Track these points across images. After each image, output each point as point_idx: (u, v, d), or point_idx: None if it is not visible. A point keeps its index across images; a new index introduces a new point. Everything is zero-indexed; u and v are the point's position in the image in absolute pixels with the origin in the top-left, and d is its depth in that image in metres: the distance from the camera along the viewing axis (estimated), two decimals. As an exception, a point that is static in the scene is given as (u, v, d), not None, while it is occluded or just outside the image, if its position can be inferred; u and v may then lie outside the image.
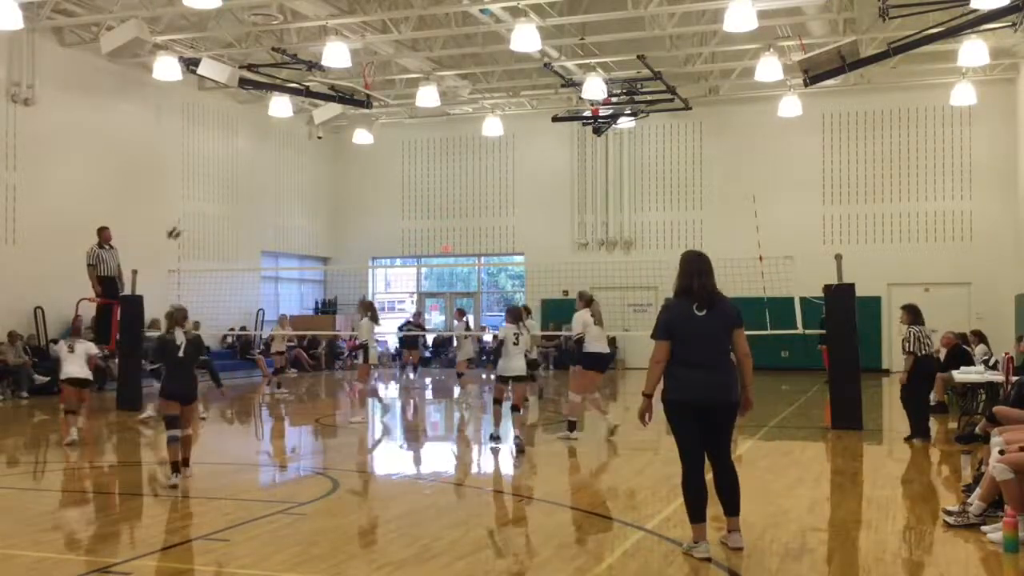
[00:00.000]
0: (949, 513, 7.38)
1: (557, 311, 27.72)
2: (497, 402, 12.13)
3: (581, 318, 12.48)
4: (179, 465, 9.19)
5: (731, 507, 6.55)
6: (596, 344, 12.39)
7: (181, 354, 9.43)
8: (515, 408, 11.69)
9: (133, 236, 20.30)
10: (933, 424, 14.07)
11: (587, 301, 12.60)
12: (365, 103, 22.22)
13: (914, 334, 12.36)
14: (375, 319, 15.26)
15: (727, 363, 6.48)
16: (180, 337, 9.45)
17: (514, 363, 11.51)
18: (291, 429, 15.25)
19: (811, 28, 21.02)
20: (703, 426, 6.43)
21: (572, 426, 12.48)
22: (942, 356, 15.79)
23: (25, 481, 10.30)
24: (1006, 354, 13.38)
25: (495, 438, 12.01)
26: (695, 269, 6.49)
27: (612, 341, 27.97)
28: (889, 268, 25.07)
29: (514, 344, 11.43)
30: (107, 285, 17.37)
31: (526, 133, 28.80)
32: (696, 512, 6.39)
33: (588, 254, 28.19)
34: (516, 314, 11.80)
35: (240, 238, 26.75)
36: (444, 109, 27.50)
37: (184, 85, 22.54)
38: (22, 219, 20.22)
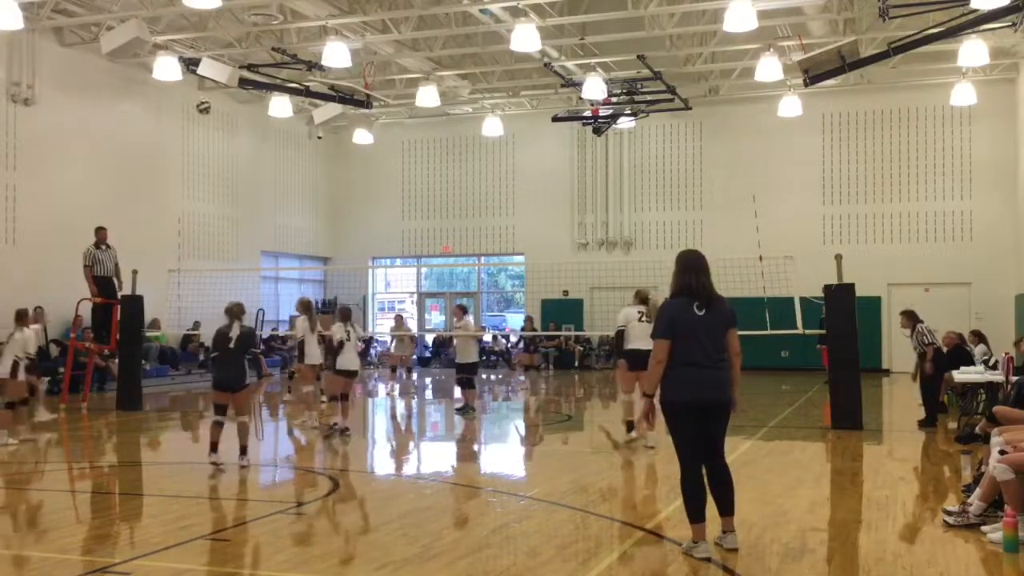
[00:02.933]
0: (949, 513, 7.38)
1: (557, 311, 27.73)
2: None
3: (624, 311, 11.99)
4: (217, 446, 10.03)
5: (725, 506, 6.53)
6: (638, 342, 11.25)
7: (232, 345, 10.12)
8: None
9: (133, 236, 20.30)
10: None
11: (641, 299, 11.99)
12: (365, 103, 22.22)
13: (927, 329, 13.56)
14: (312, 319, 14.44)
15: (725, 362, 6.48)
16: (235, 330, 10.18)
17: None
18: (290, 429, 15.23)
19: (811, 28, 21.01)
20: (700, 426, 6.43)
21: (629, 427, 12.03)
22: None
23: (25, 481, 10.29)
24: (1006, 354, 13.39)
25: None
26: (693, 267, 6.50)
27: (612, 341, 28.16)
28: (889, 268, 25.06)
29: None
30: (104, 285, 17.36)
31: (526, 133, 28.79)
32: (696, 512, 6.38)
33: (588, 254, 28.17)
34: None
35: (240, 238, 26.75)
36: (444, 109, 27.49)
37: (184, 85, 22.53)
38: (22, 219, 20.20)
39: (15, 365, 12.41)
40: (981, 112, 24.61)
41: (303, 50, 20.87)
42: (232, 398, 10.15)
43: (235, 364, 10.16)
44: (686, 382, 6.36)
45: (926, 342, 13.61)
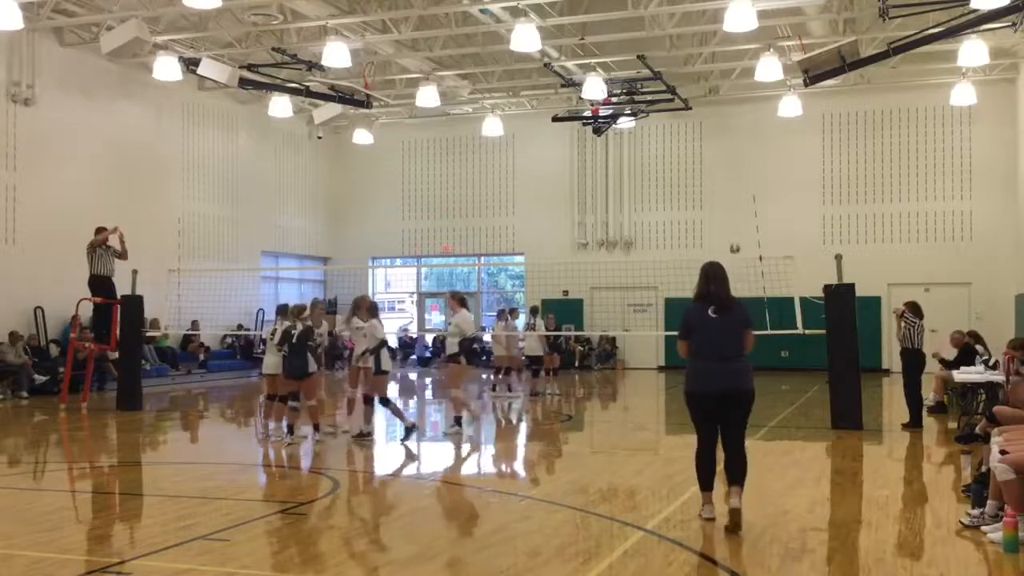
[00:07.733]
0: (969, 515, 7.31)
1: (557, 311, 27.71)
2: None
3: (464, 316, 13.34)
4: (293, 428, 11.85)
5: (736, 480, 7.27)
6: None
7: (295, 340, 11.68)
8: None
9: (133, 236, 20.22)
10: (934, 424, 14.15)
11: (459, 301, 13.55)
12: (365, 103, 22.23)
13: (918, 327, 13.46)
14: None
15: (741, 357, 7.37)
16: (298, 327, 11.79)
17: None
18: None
19: (811, 28, 21.01)
20: (720, 413, 7.30)
21: (457, 421, 13.25)
22: (950, 356, 15.73)
23: (25, 481, 10.30)
24: (1006, 354, 13.37)
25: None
26: (710, 277, 7.56)
27: (612, 341, 28.17)
28: (889, 268, 25.06)
29: None
30: (104, 285, 17.34)
31: (526, 133, 28.78)
32: (705, 482, 7.35)
33: (588, 254, 28.17)
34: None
35: (240, 238, 26.75)
36: (444, 109, 27.49)
37: (184, 85, 22.54)
38: (22, 219, 20.20)
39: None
40: (981, 112, 24.61)
41: (303, 50, 20.87)
42: (300, 385, 11.70)
43: (300, 355, 11.68)
44: (702, 375, 7.35)
45: (911, 344, 13.50)
